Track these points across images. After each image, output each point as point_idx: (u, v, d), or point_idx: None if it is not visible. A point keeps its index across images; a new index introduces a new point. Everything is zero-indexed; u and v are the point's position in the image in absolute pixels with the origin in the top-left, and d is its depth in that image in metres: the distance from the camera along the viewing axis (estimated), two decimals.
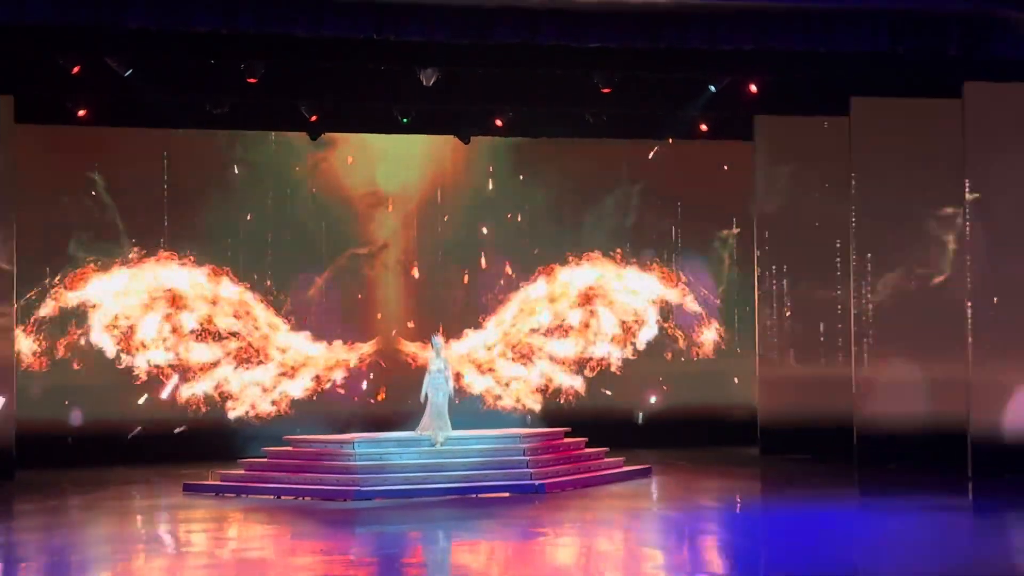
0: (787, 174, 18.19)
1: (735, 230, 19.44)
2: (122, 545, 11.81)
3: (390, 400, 18.53)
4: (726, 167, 19.59)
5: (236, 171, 18.60)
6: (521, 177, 19.41)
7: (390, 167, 19.11)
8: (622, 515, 13.40)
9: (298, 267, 18.82)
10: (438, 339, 15.34)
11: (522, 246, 19.42)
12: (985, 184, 15.50)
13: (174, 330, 18.04)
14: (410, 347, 18.80)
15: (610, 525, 12.87)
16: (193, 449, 17.55)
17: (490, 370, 18.80)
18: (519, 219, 19.41)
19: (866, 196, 16.84)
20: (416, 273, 19.25)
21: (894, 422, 16.40)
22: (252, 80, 15.92)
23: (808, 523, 12.44)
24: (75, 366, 17.82)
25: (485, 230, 19.44)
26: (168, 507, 14.04)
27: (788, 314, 18.16)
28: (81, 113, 17.39)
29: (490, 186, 19.38)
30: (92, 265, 17.91)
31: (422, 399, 14.92)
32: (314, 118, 17.85)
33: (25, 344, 17.51)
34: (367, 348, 18.87)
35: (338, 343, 18.70)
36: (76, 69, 15.94)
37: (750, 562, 10.76)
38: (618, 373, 19.33)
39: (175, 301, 18.11)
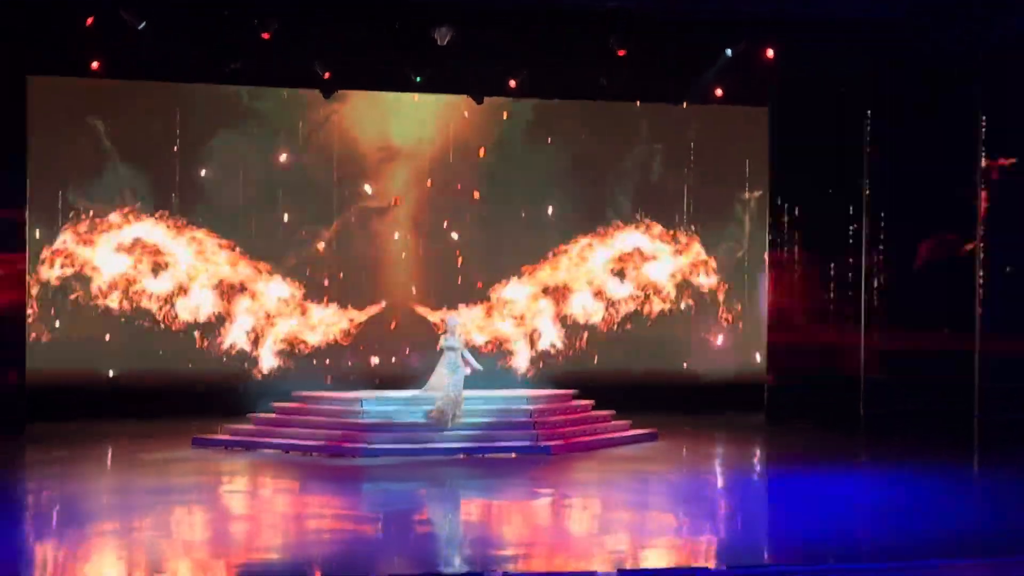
0: (803, 140, 18.07)
1: (756, 193, 19.20)
2: (127, 497, 11.88)
3: (399, 358, 18.54)
4: (742, 132, 19.46)
5: (246, 125, 18.52)
6: (534, 138, 19.32)
7: (402, 125, 19.03)
8: (625, 477, 13.44)
9: (306, 220, 18.75)
10: (455, 319, 14.99)
11: (537, 209, 19.37)
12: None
13: (180, 286, 18.12)
14: (421, 310, 18.83)
15: (613, 487, 12.92)
16: (205, 403, 17.62)
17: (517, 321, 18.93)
18: (533, 180, 19.31)
19: (881, 162, 16.78)
20: (426, 233, 19.21)
21: (901, 391, 16.39)
22: (266, 36, 15.84)
23: (812, 488, 12.47)
24: (84, 319, 17.88)
25: (496, 189, 19.37)
26: (176, 460, 14.11)
27: (799, 280, 18.09)
28: (94, 66, 17.35)
29: (502, 146, 19.28)
30: (101, 219, 17.93)
31: (435, 383, 14.50)
32: (327, 75, 17.78)
33: (35, 294, 17.56)
34: (374, 309, 18.88)
35: (345, 299, 18.71)
36: (90, 21, 15.88)
37: (751, 524, 10.80)
38: (629, 334, 19.44)
39: (185, 256, 18.19)
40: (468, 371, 14.45)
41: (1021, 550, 9.08)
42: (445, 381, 14.34)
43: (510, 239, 19.12)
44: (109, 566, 8.96)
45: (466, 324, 14.86)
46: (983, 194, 15.50)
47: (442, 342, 14.59)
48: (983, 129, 15.78)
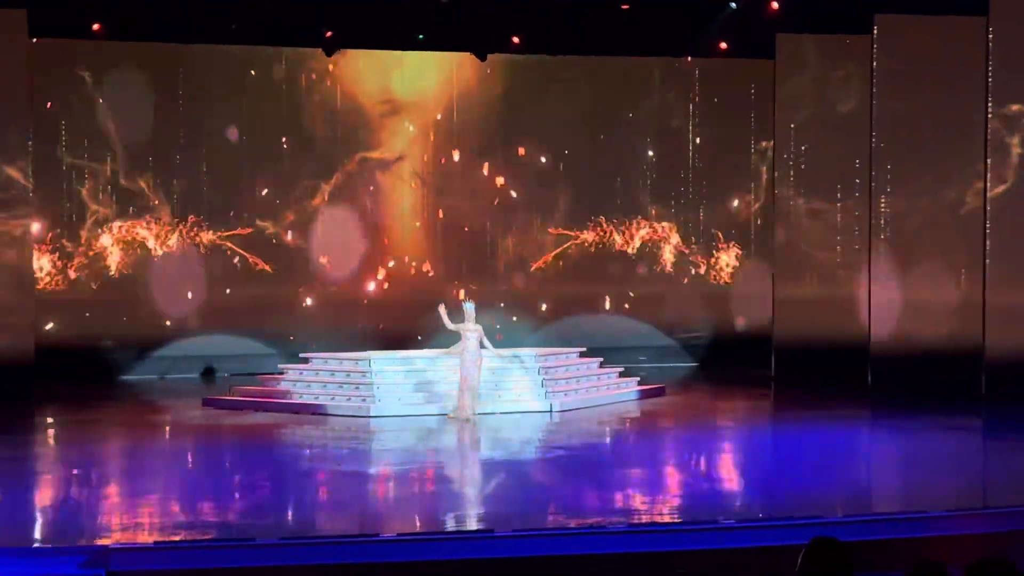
0: (809, 92, 17.93)
1: (771, 143, 18.95)
2: (138, 461, 11.98)
3: (407, 318, 18.58)
4: (752, 85, 19.33)
5: (248, 84, 18.44)
6: (539, 94, 19.24)
7: (405, 82, 18.95)
8: (633, 433, 13.49)
9: (304, 175, 18.70)
10: (470, 304, 13.82)
11: (544, 163, 19.35)
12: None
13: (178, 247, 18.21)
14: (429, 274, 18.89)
15: (620, 443, 12.97)
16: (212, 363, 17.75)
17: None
18: (538, 138, 19.26)
19: (888, 115, 16.64)
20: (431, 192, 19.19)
21: (910, 344, 16.35)
22: None
23: (818, 441, 12.52)
24: (90, 283, 17.94)
25: (501, 147, 19.32)
26: (186, 421, 14.19)
27: (806, 233, 18.01)
28: (96, 27, 17.27)
29: (505, 103, 19.21)
30: (102, 181, 17.93)
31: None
32: (329, 34, 17.68)
33: (41, 258, 17.61)
34: (380, 273, 18.90)
35: (347, 256, 18.73)
36: None
37: (757, 478, 10.86)
38: (633, 294, 19.54)
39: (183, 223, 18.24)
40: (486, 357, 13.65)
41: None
42: (472, 372, 13.49)
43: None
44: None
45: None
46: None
47: (457, 326, 13.58)
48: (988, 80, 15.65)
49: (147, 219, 18.18)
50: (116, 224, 18.09)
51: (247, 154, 18.53)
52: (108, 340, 17.92)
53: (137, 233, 18.16)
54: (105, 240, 18.03)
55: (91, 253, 17.96)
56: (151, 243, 18.18)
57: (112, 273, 18.09)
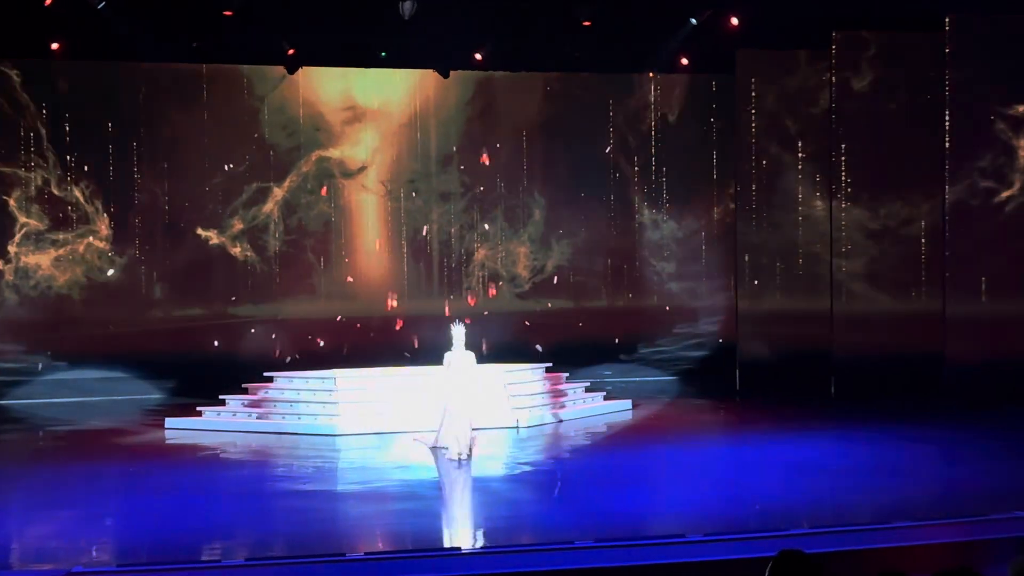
0: (769, 107, 18.11)
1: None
2: (100, 483, 11.85)
3: (373, 334, 18.55)
4: (710, 101, 19.46)
5: (206, 96, 18.28)
6: (500, 111, 19.29)
7: (368, 99, 18.93)
8: (599, 449, 13.50)
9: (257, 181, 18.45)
10: (459, 328, 12.47)
11: (504, 178, 19.38)
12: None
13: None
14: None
15: (585, 459, 12.99)
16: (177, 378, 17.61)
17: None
18: (498, 152, 19.30)
19: (848, 128, 16.87)
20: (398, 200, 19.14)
21: (871, 354, 16.54)
22: (228, 12, 15.70)
23: (785, 453, 12.59)
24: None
25: (464, 162, 19.33)
26: (149, 443, 14.07)
27: (765, 248, 18.13)
28: (55, 47, 17.16)
29: (468, 119, 19.24)
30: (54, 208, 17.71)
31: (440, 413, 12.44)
32: (291, 51, 17.66)
33: None
34: (344, 304, 18.74)
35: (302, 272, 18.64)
36: (49, 1, 15.69)
37: (723, 491, 10.89)
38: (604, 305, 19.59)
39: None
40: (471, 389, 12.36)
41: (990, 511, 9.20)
42: (459, 408, 12.14)
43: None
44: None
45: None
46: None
47: (451, 362, 12.32)
48: (946, 84, 15.89)
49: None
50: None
51: (208, 158, 18.31)
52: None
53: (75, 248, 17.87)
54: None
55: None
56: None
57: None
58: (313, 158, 18.69)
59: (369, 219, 19.10)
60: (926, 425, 14.33)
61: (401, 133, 19.05)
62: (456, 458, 12.02)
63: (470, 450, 12.21)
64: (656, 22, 17.64)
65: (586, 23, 16.81)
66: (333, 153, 18.81)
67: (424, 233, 19.08)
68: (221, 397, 15.22)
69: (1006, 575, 4.79)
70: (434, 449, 12.54)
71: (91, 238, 17.86)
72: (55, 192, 17.74)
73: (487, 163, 19.19)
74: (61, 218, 17.78)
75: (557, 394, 15.69)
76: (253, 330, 18.31)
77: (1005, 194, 16.02)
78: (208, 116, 18.31)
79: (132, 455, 13.17)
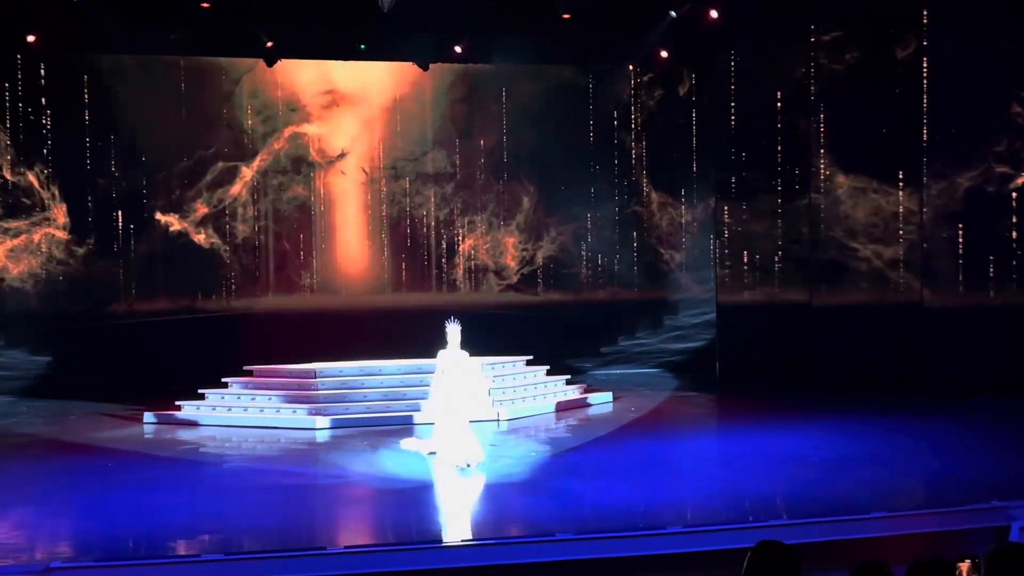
0: (748, 100, 18.11)
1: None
2: (79, 477, 11.79)
3: (353, 327, 18.51)
4: (690, 93, 19.48)
5: (183, 88, 18.18)
6: (479, 103, 19.27)
7: (346, 92, 18.87)
8: (580, 441, 13.52)
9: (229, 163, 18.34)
10: (454, 326, 11.75)
11: (486, 169, 19.36)
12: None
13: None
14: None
15: (566, 452, 13.01)
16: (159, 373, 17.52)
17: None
18: (481, 143, 19.28)
19: (829, 123, 16.93)
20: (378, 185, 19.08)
21: (849, 348, 16.60)
22: (206, 4, 15.62)
23: (764, 445, 12.64)
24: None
25: (444, 155, 19.30)
26: (131, 436, 14.00)
27: (743, 241, 18.13)
28: (31, 39, 17.04)
29: (448, 112, 19.21)
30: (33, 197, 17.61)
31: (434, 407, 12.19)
32: (270, 44, 17.59)
33: None
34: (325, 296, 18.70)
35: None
36: None
37: (702, 483, 10.92)
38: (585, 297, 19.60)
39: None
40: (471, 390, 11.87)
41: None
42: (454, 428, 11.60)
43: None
44: None
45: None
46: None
47: (445, 362, 11.72)
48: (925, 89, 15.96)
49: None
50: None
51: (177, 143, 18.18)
52: None
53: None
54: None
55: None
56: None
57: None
58: (286, 134, 18.59)
59: (349, 206, 19.04)
60: (906, 416, 14.40)
61: (381, 118, 19.01)
62: (464, 465, 11.48)
63: (476, 456, 11.62)
64: (636, 16, 17.61)
65: (566, 16, 16.77)
66: (308, 130, 18.71)
67: (405, 221, 19.06)
68: (200, 391, 15.15)
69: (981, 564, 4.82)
70: (431, 455, 12.12)
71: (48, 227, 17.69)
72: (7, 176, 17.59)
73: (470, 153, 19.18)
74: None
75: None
76: (231, 323, 18.24)
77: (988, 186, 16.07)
78: (178, 100, 18.17)
79: (108, 451, 13.11)
